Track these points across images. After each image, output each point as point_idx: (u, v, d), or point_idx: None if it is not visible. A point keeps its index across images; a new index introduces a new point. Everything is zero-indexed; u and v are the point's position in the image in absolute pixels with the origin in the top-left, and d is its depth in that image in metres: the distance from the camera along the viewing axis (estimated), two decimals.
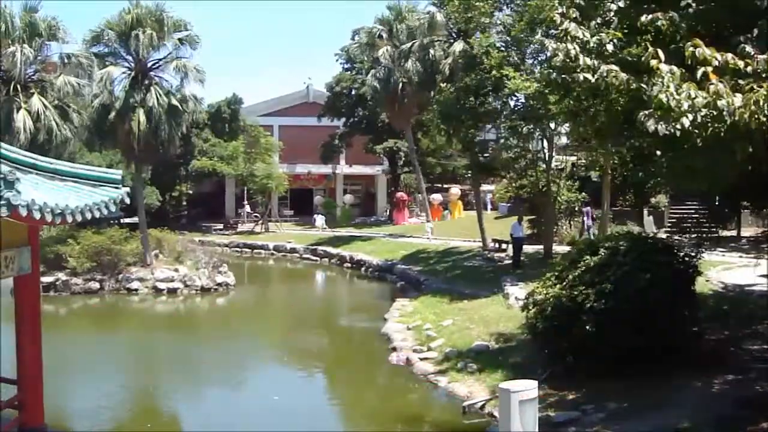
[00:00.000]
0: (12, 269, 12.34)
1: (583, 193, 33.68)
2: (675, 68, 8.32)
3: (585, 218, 33.62)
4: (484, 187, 53.29)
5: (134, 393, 19.70)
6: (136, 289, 32.55)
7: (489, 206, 53.64)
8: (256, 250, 50.12)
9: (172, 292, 32.63)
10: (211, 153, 55.67)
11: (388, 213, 60.44)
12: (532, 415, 11.77)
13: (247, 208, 60.80)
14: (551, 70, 12.60)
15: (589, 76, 9.87)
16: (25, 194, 9.96)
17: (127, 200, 13.16)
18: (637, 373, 14.53)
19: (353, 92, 56.13)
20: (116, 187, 13.22)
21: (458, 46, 33.42)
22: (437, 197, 57.20)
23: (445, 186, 59.38)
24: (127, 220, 38.51)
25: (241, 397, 19.29)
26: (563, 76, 11.73)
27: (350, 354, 23.36)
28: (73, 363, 21.28)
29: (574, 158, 35.10)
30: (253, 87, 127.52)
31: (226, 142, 56.52)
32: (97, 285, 32.32)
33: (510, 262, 31.10)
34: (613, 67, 9.06)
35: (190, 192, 61.77)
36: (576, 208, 34.07)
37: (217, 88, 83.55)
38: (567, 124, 26.50)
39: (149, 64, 34.92)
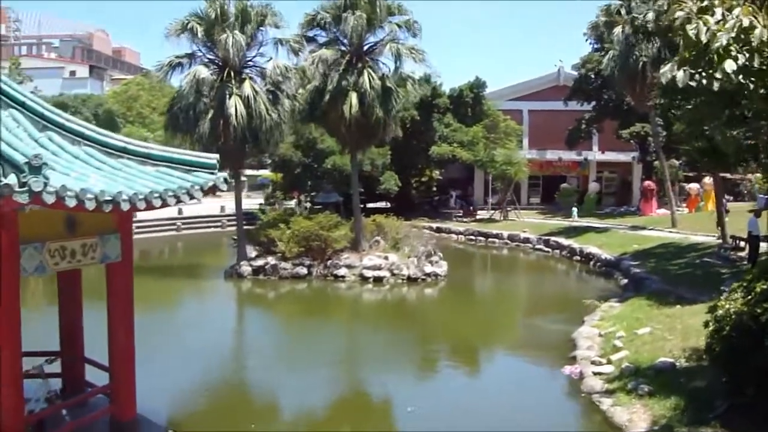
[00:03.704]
0: (92, 257, 11.89)
1: None
2: None
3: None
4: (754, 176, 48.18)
5: (344, 380, 19.32)
6: (343, 276, 32.11)
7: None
8: (490, 239, 48.62)
9: (378, 280, 31.78)
10: (451, 138, 54.64)
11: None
12: None
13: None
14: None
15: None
16: (61, 180, 9.28)
17: (223, 186, 12.54)
18: None
19: (600, 73, 52.52)
20: (210, 173, 12.43)
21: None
22: (694, 187, 52.38)
23: (704, 175, 54.01)
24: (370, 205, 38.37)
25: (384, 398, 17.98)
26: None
27: (527, 359, 21.07)
28: (282, 348, 22.27)
29: None
30: (500, 71, 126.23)
31: (468, 127, 55.28)
32: (305, 270, 32.29)
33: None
34: None
35: (440, 178, 61.19)
36: None
37: (463, 73, 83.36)
38: None
39: (364, 47, 34.17)
